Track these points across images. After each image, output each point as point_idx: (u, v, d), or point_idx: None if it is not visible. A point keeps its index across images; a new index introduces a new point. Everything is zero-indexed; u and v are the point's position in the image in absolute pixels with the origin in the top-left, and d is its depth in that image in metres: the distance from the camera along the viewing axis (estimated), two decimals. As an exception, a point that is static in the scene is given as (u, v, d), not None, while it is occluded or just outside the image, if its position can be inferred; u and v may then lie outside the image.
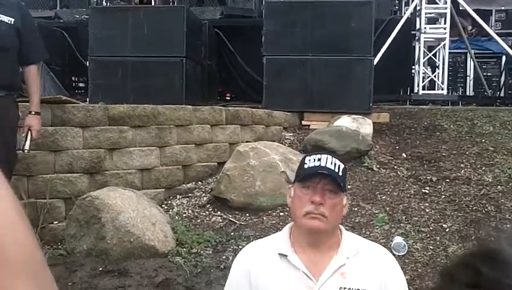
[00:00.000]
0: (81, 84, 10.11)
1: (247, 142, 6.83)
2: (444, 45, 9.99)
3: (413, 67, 10.36)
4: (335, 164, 2.29)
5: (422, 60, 9.97)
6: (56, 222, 5.58)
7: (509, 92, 10.79)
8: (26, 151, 4.79)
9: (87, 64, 8.33)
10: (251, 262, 2.38)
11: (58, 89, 9.07)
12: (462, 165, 6.93)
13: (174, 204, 6.21)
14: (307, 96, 8.17)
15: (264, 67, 8.23)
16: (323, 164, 2.27)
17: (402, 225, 5.67)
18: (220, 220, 5.87)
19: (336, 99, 8.06)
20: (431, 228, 5.66)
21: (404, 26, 9.61)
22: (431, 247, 5.37)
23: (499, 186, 6.40)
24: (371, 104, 8.13)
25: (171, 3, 10.92)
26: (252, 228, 5.66)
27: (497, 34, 10.27)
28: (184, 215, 6.00)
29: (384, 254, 2.43)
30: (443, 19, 10.09)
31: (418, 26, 10.08)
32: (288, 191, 2.45)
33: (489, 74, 11.19)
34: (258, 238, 5.32)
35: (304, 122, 8.21)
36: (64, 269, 4.85)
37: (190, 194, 6.42)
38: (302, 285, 2.27)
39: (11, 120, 4.64)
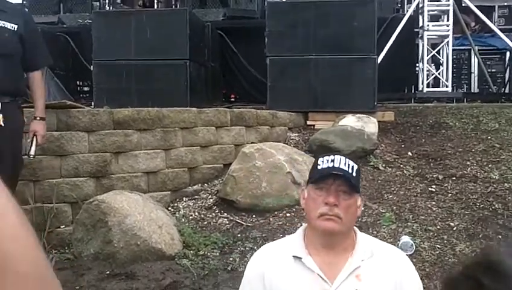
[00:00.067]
0: (85, 89, 10.13)
1: (252, 143, 6.83)
2: (448, 42, 9.98)
3: (417, 65, 10.35)
4: (348, 165, 2.27)
5: (426, 58, 9.97)
6: (63, 226, 5.58)
7: (514, 88, 10.77)
8: (31, 156, 4.80)
9: (91, 69, 8.35)
10: (265, 264, 2.36)
11: (62, 93, 9.09)
12: (468, 163, 6.91)
13: (181, 206, 6.21)
14: (311, 96, 8.17)
15: (268, 68, 8.23)
16: (336, 165, 2.26)
17: (409, 224, 5.65)
18: (227, 222, 5.87)
19: (340, 99, 8.06)
20: (438, 227, 5.64)
21: (407, 24, 9.61)
22: (438, 246, 5.35)
23: (505, 184, 6.38)
24: (375, 103, 8.12)
25: (173, 6, 10.93)
26: (258, 229, 5.65)
27: (500, 30, 10.26)
28: (190, 217, 5.99)
29: (399, 255, 2.41)
30: (446, 16, 10.08)
31: (420, 24, 10.09)
32: (302, 193, 2.43)
33: (493, 70, 11.17)
34: (264, 240, 5.36)
35: (308, 122, 8.20)
36: (71, 273, 4.84)
37: (196, 196, 6.41)
38: (317, 287, 2.25)
39: (17, 126, 4.64)
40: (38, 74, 4.84)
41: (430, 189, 6.34)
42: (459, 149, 7.30)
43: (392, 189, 6.34)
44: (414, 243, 5.26)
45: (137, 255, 4.95)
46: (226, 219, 5.92)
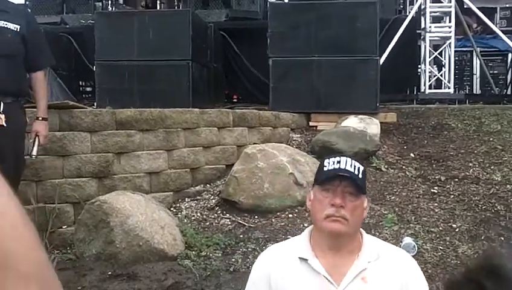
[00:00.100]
0: (88, 89, 10.13)
1: (254, 144, 6.83)
2: (450, 43, 9.98)
3: (419, 66, 10.35)
4: (355, 166, 2.27)
5: (428, 59, 9.96)
6: (65, 227, 5.59)
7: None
8: (33, 156, 4.80)
9: (94, 69, 8.36)
10: (271, 266, 2.36)
11: (65, 94, 9.10)
12: (470, 164, 6.91)
13: (183, 207, 6.21)
14: (313, 97, 8.17)
15: (270, 68, 8.23)
16: (342, 167, 2.26)
17: (411, 225, 5.65)
18: (229, 223, 5.86)
19: (342, 100, 8.06)
20: (440, 228, 5.64)
21: (409, 25, 9.60)
22: (441, 247, 5.35)
23: (508, 185, 6.38)
24: (377, 104, 8.12)
25: (176, 7, 10.94)
26: (261, 230, 5.65)
27: (502, 31, 10.26)
28: (193, 218, 5.99)
29: (405, 257, 2.40)
30: (448, 18, 10.08)
31: (423, 25, 10.08)
32: (308, 194, 2.43)
33: (495, 72, 11.18)
34: (267, 241, 5.37)
35: (311, 123, 8.20)
36: (73, 273, 4.85)
37: (198, 197, 6.42)
38: None
39: (19, 126, 4.65)
40: (40, 74, 4.84)
41: (432, 190, 6.34)
42: (461, 151, 7.30)
43: (395, 190, 6.33)
44: (416, 244, 5.25)
45: (139, 256, 4.95)
46: (228, 220, 5.92)
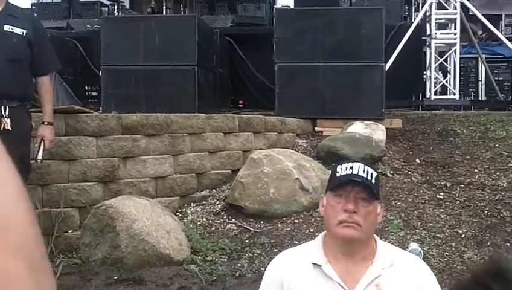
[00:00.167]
0: (94, 94, 10.16)
1: (260, 149, 6.83)
2: (455, 50, 9.98)
3: (425, 72, 10.35)
4: (367, 172, 2.26)
5: (433, 66, 9.97)
6: (71, 231, 5.58)
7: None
8: (39, 161, 4.81)
9: (100, 74, 8.38)
10: (284, 271, 2.34)
11: (71, 98, 9.12)
12: (476, 170, 6.90)
13: (189, 212, 6.21)
14: (319, 102, 8.17)
15: (276, 74, 8.25)
16: (355, 172, 2.24)
17: (417, 231, 5.64)
18: (235, 228, 5.86)
19: (348, 106, 8.07)
20: (446, 234, 5.63)
21: (415, 32, 9.61)
22: (447, 253, 5.33)
23: (513, 191, 6.37)
24: (383, 110, 8.12)
25: (182, 13, 10.97)
26: (266, 235, 5.64)
27: (507, 38, 10.26)
28: (198, 223, 5.99)
29: (419, 264, 2.38)
30: (453, 24, 10.08)
31: (428, 32, 10.09)
32: (321, 200, 2.41)
33: (500, 79, 11.17)
34: (272, 246, 5.37)
35: (316, 129, 8.21)
36: (79, 277, 4.84)
37: (204, 202, 6.41)
38: None
39: (24, 130, 4.65)
40: (46, 78, 4.85)
41: (438, 196, 6.33)
42: (466, 157, 7.29)
43: (400, 196, 6.32)
44: (422, 250, 5.24)
45: (145, 261, 4.94)
46: (234, 225, 5.92)
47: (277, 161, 6.11)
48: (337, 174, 2.29)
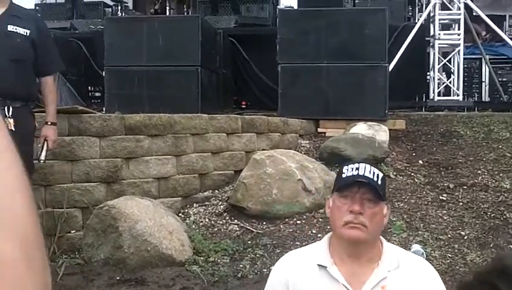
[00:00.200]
0: (97, 94, 10.18)
1: (263, 150, 6.83)
2: (459, 50, 9.96)
3: (428, 73, 10.33)
4: (373, 173, 2.24)
5: (437, 66, 9.95)
6: (73, 231, 5.59)
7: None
8: (42, 161, 4.82)
9: (103, 74, 8.39)
10: (289, 272, 2.33)
11: (74, 99, 9.13)
12: (479, 172, 6.89)
13: (191, 213, 6.21)
14: (322, 103, 8.17)
15: (279, 75, 8.25)
16: (361, 173, 2.23)
17: (420, 232, 5.63)
18: (237, 229, 5.86)
19: (351, 107, 8.06)
20: (449, 236, 5.62)
21: (418, 32, 9.60)
22: (449, 255, 5.33)
23: (517, 193, 6.36)
24: (386, 111, 8.11)
25: (185, 13, 10.97)
26: (269, 236, 5.64)
27: (511, 39, 10.23)
28: (201, 223, 5.99)
29: (425, 266, 2.36)
30: (457, 25, 10.07)
31: (432, 33, 10.07)
32: (327, 201, 2.40)
33: (504, 80, 11.15)
34: (275, 247, 5.37)
35: (319, 130, 8.21)
36: (81, 278, 4.85)
37: (207, 203, 6.41)
38: None
39: (28, 130, 4.66)
40: (50, 79, 4.86)
41: (441, 197, 6.32)
42: (470, 158, 7.28)
43: (403, 197, 6.32)
44: (425, 251, 5.23)
45: (147, 261, 4.95)
46: (236, 226, 5.92)
47: (280, 162, 6.11)
48: (343, 175, 2.28)
